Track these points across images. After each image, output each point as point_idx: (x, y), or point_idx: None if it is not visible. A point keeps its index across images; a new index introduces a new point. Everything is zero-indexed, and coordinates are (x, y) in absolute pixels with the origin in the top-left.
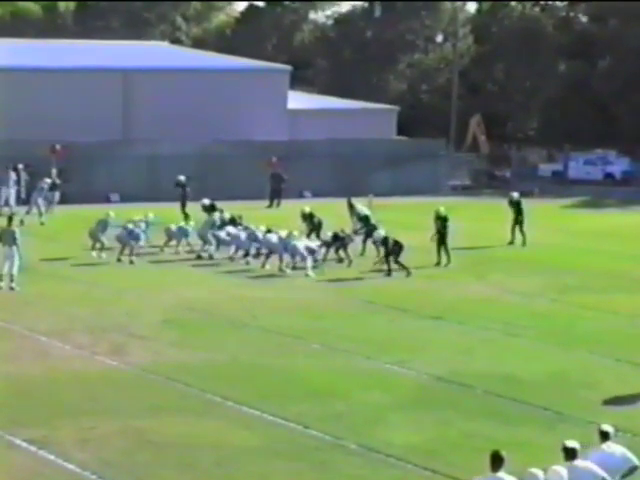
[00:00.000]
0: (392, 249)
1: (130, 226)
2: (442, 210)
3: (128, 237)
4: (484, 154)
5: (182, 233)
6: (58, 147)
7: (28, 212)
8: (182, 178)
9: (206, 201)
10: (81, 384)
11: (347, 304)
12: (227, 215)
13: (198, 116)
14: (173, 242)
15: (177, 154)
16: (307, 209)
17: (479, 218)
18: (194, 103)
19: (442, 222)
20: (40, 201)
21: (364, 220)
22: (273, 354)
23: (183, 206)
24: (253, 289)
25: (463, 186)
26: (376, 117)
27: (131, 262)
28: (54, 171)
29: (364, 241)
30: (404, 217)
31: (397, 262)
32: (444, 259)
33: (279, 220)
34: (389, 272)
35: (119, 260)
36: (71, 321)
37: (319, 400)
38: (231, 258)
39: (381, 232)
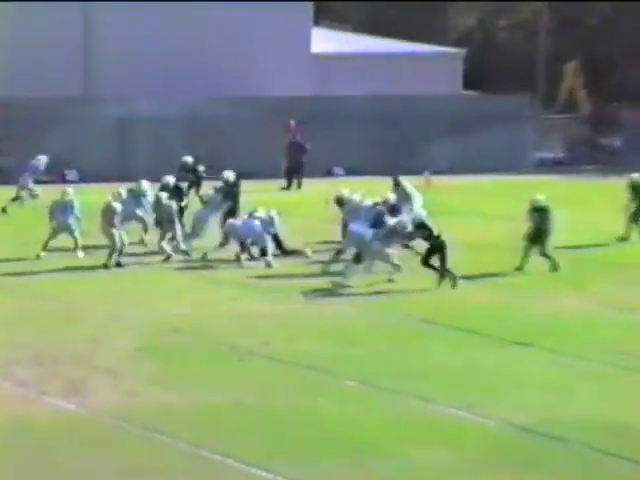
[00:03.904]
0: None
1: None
2: (541, 199)
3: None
4: (584, 115)
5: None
6: None
7: None
8: (189, 160)
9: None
10: (24, 436)
11: (394, 324)
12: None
13: (186, 64)
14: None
15: (157, 117)
16: (345, 192)
17: (577, 205)
18: (181, 46)
19: (541, 215)
20: None
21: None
22: (290, 394)
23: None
24: (261, 302)
25: (555, 160)
26: (434, 64)
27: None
28: None
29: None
30: (472, 203)
31: (427, 264)
32: (527, 263)
33: (300, 206)
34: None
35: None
36: (11, 349)
37: (355, 459)
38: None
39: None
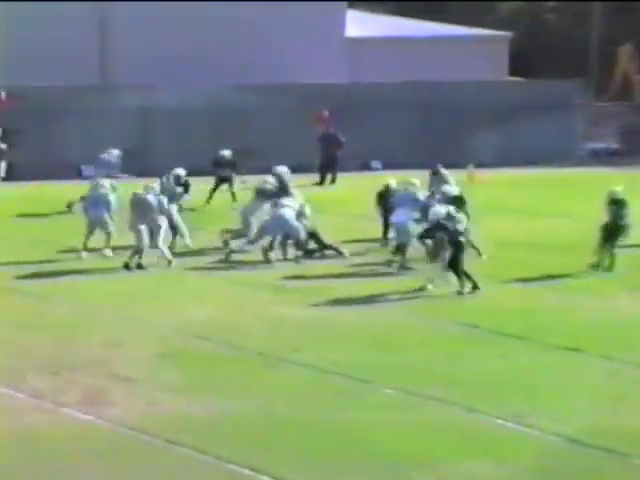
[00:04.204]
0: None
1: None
2: (618, 191)
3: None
4: (639, 102)
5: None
6: (2, 95)
7: None
8: (227, 153)
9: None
10: (39, 450)
11: (435, 329)
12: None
13: (213, 50)
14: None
15: (181, 107)
16: (393, 183)
17: (636, 199)
18: (207, 31)
19: (617, 209)
20: None
21: (454, 202)
22: (324, 404)
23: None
24: (292, 305)
25: (609, 150)
26: (477, 49)
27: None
28: None
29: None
30: (518, 198)
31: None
32: (606, 260)
33: (334, 203)
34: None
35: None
36: (25, 356)
37: (395, 473)
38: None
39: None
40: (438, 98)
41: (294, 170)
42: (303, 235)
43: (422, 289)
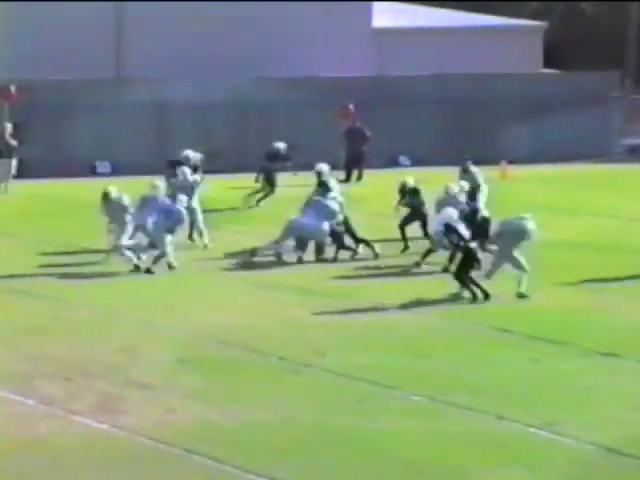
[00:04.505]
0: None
1: None
2: None
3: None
4: None
5: None
6: (13, 89)
7: None
8: (282, 146)
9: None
10: (50, 460)
11: (464, 333)
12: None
13: (232, 42)
14: None
15: (199, 101)
16: (411, 181)
17: None
18: (226, 22)
19: None
20: None
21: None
22: (349, 411)
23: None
24: (316, 308)
25: None
26: (510, 39)
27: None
28: (8, 126)
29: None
30: (553, 196)
31: (460, 278)
32: None
33: (361, 200)
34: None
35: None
36: (36, 362)
37: None
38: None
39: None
40: (469, 91)
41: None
42: (326, 239)
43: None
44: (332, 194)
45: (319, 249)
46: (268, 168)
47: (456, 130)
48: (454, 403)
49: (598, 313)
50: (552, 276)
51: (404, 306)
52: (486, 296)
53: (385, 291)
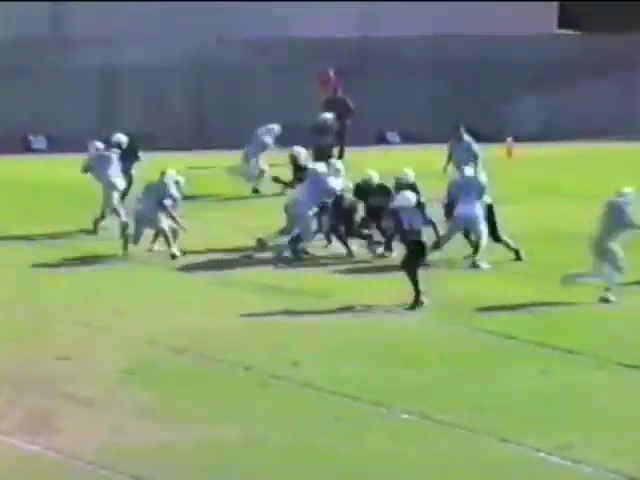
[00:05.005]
0: None
1: None
2: None
3: None
4: None
5: None
6: None
7: None
8: (329, 118)
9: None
10: None
11: (464, 340)
12: None
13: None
14: None
15: (152, 65)
16: (375, 175)
17: None
18: None
19: None
20: None
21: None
22: (328, 431)
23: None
24: (290, 310)
25: None
26: None
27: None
28: None
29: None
30: (568, 179)
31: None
32: None
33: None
34: None
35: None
36: None
37: None
38: None
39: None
40: (471, 56)
41: (292, 143)
42: (308, 236)
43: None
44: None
45: (293, 240)
46: (318, 144)
47: (455, 101)
48: (451, 423)
49: (619, 318)
50: (562, 273)
51: (392, 307)
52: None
53: (371, 290)
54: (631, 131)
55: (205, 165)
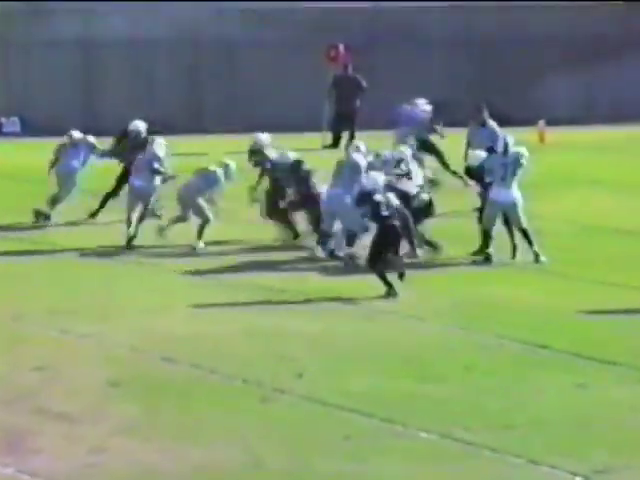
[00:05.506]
0: None
1: None
2: None
3: None
4: None
5: None
6: None
7: None
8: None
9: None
10: None
11: (489, 349)
12: None
13: None
14: None
15: (135, 38)
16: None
17: None
18: None
19: None
20: None
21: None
22: (336, 452)
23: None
24: (293, 315)
25: None
26: None
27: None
28: None
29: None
30: (608, 166)
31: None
32: None
33: None
34: None
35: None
36: None
37: None
38: None
39: None
40: (496, 29)
41: (297, 128)
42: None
43: None
44: None
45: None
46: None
47: (479, 80)
48: (474, 442)
49: None
50: (603, 274)
51: (407, 311)
52: (390, 293)
53: (382, 291)
54: None
55: (201, 151)
